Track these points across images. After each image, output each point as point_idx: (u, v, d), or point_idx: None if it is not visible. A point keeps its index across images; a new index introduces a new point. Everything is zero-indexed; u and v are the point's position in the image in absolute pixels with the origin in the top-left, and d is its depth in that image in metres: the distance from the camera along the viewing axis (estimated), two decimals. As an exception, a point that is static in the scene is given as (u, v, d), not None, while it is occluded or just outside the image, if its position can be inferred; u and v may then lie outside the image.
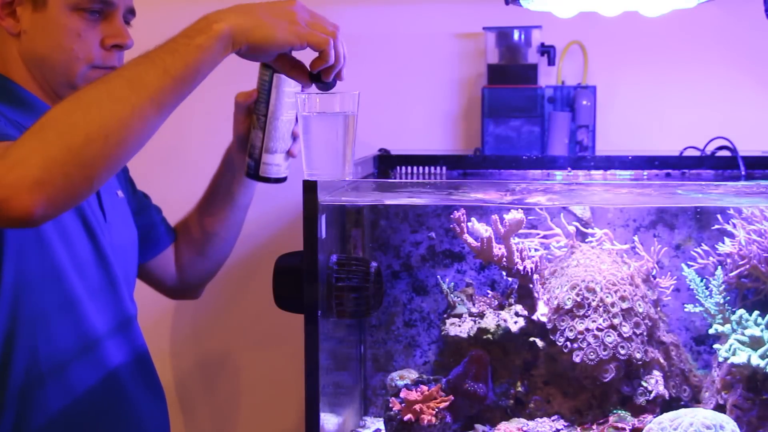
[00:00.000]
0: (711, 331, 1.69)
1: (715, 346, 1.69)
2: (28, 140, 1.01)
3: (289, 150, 1.39)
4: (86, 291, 1.31)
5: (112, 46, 1.32)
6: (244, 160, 1.42)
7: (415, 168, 1.88)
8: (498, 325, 1.76)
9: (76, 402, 1.30)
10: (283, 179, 1.44)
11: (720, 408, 1.65)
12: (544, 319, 1.73)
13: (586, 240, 1.80)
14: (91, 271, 1.33)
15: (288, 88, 1.34)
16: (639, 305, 1.68)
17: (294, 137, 1.39)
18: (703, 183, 1.73)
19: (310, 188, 1.47)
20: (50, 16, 1.28)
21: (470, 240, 1.74)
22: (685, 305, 1.76)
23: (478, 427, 1.73)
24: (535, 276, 1.77)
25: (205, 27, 1.10)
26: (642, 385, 1.69)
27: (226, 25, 1.10)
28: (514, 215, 1.71)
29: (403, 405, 1.67)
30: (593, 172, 1.86)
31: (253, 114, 1.38)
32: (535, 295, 1.76)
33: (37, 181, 0.98)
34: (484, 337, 1.76)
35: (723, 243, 1.73)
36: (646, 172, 1.85)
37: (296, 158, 1.44)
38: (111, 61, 1.33)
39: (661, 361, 1.72)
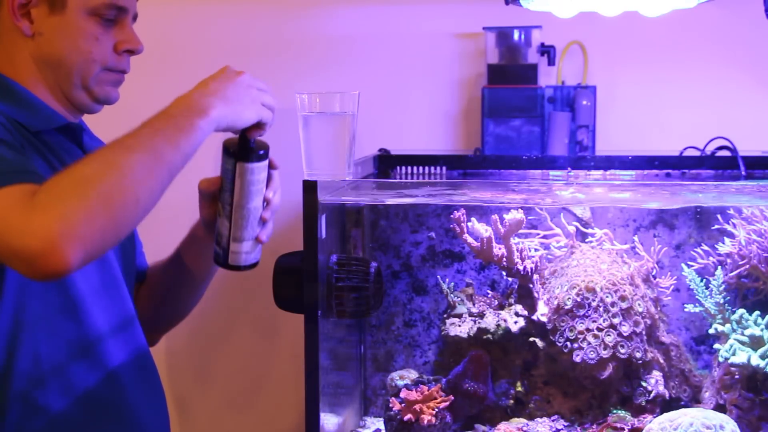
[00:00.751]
0: (711, 331, 1.69)
1: (715, 346, 1.69)
2: (65, 195, 1.05)
3: (257, 236, 1.38)
4: (89, 291, 1.32)
5: (124, 51, 1.37)
6: (212, 246, 1.40)
7: (415, 168, 1.88)
8: (498, 325, 1.76)
9: (77, 402, 1.30)
10: (254, 264, 1.40)
11: (720, 408, 1.65)
12: (544, 319, 1.73)
13: (586, 240, 1.80)
14: (94, 270, 1.34)
15: (252, 175, 1.34)
16: (639, 305, 1.68)
17: (263, 223, 1.38)
18: (703, 183, 1.73)
19: (310, 188, 1.47)
20: (69, 19, 1.31)
21: (470, 240, 1.74)
22: (685, 305, 1.76)
23: (478, 427, 1.73)
24: (535, 276, 1.77)
25: (202, 109, 1.21)
26: (642, 385, 1.69)
27: (215, 111, 1.21)
28: (514, 215, 1.71)
29: (403, 405, 1.67)
30: (593, 172, 1.86)
31: (218, 202, 1.36)
32: (535, 295, 1.76)
33: (81, 238, 1.04)
34: (484, 337, 1.76)
35: (723, 243, 1.73)
36: (646, 172, 1.85)
37: (266, 237, 1.41)
38: (122, 65, 1.37)
39: (661, 361, 1.72)
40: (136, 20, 1.41)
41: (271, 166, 1.37)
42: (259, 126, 1.29)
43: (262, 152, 1.33)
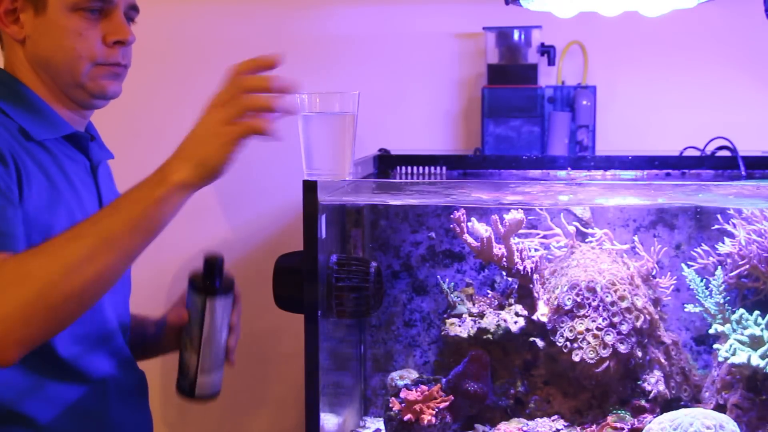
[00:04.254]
0: (711, 331, 1.69)
1: (715, 346, 1.69)
2: (4, 294, 1.08)
3: (227, 361, 1.41)
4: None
5: (114, 43, 1.33)
6: (175, 376, 1.41)
7: (415, 168, 1.88)
8: (498, 325, 1.76)
9: (61, 414, 1.29)
10: (218, 393, 1.42)
11: (720, 408, 1.65)
12: (544, 319, 1.73)
13: (586, 240, 1.80)
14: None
15: (221, 309, 1.36)
16: (639, 305, 1.68)
17: (229, 350, 1.40)
18: (703, 183, 1.73)
19: (310, 188, 1.47)
20: (50, 18, 1.29)
21: (470, 240, 1.74)
22: (685, 305, 1.76)
23: (478, 427, 1.73)
24: (535, 276, 1.77)
25: (161, 179, 1.16)
26: (642, 385, 1.69)
27: (177, 175, 1.16)
28: (514, 215, 1.71)
29: (403, 405, 1.67)
30: (593, 172, 1.86)
31: (185, 334, 1.38)
32: (535, 295, 1.76)
33: (19, 340, 1.08)
34: (484, 337, 1.76)
35: (723, 243, 1.73)
36: (646, 172, 1.85)
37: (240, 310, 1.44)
38: (114, 58, 1.34)
39: (661, 360, 1.72)
40: (138, 13, 1.39)
41: (235, 294, 1.39)
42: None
43: (229, 286, 1.36)
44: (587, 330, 1.66)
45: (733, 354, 1.61)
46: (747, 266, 1.69)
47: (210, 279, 1.34)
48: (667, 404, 1.70)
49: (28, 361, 1.25)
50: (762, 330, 1.61)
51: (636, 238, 1.79)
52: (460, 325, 1.78)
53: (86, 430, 1.33)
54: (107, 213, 1.16)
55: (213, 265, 1.34)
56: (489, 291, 1.88)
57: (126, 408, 1.40)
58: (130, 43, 1.35)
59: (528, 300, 1.77)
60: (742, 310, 1.64)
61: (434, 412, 1.65)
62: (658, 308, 1.75)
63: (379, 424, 1.80)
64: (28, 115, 1.29)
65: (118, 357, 1.39)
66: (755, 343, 1.61)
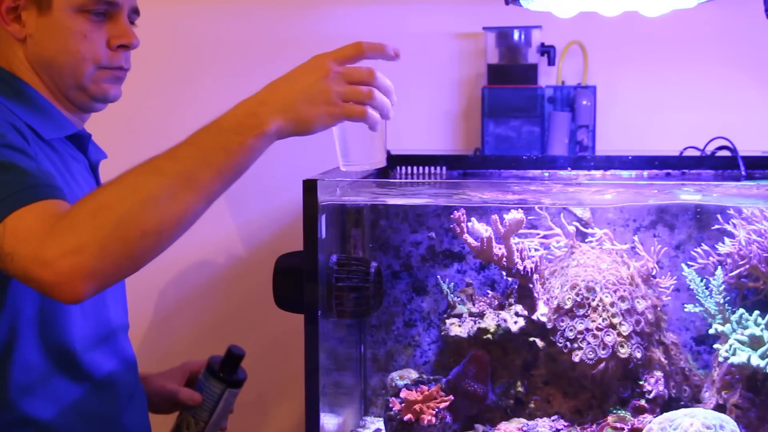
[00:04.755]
0: (711, 331, 1.69)
1: (715, 346, 1.69)
2: (82, 224, 1.03)
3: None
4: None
5: (119, 47, 1.33)
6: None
7: (415, 168, 1.88)
8: (498, 325, 1.76)
9: (65, 413, 1.28)
10: None
11: (720, 408, 1.65)
12: (544, 319, 1.73)
13: (586, 240, 1.80)
14: None
15: (234, 398, 1.47)
16: (639, 305, 1.68)
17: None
18: (703, 183, 1.73)
19: (310, 188, 1.47)
20: (55, 19, 1.28)
21: (470, 240, 1.74)
22: (685, 305, 1.76)
23: (478, 427, 1.73)
24: (535, 276, 1.77)
25: (256, 125, 1.10)
26: (642, 385, 1.69)
27: (275, 125, 1.11)
28: (514, 215, 1.71)
29: (403, 405, 1.67)
30: (593, 172, 1.86)
31: (189, 413, 1.45)
32: (535, 295, 1.76)
33: (92, 272, 1.02)
34: (484, 337, 1.76)
35: (723, 243, 1.73)
36: (646, 172, 1.85)
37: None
38: (118, 62, 1.33)
39: (662, 360, 1.72)
40: (139, 15, 1.39)
41: None
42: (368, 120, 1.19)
43: (244, 379, 1.47)
44: (587, 330, 1.66)
45: (733, 354, 1.61)
46: (747, 266, 1.69)
47: (233, 371, 1.45)
48: (667, 404, 1.70)
49: (40, 362, 1.25)
50: (762, 330, 1.61)
51: (636, 238, 1.79)
52: (460, 325, 1.78)
53: (93, 428, 1.33)
54: (189, 153, 1.08)
55: (238, 359, 1.45)
56: (489, 291, 1.88)
57: (134, 410, 1.40)
58: (134, 47, 1.35)
59: (528, 300, 1.77)
60: (742, 310, 1.64)
61: (434, 412, 1.65)
62: (658, 308, 1.75)
63: (379, 424, 1.80)
64: (35, 114, 1.28)
65: (121, 358, 1.39)
66: (755, 343, 1.61)
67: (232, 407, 1.48)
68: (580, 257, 1.75)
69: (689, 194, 1.68)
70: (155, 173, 1.07)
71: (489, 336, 1.76)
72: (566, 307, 1.69)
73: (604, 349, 1.65)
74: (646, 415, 1.66)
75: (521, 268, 1.74)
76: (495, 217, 1.71)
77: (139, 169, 1.08)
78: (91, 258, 1.01)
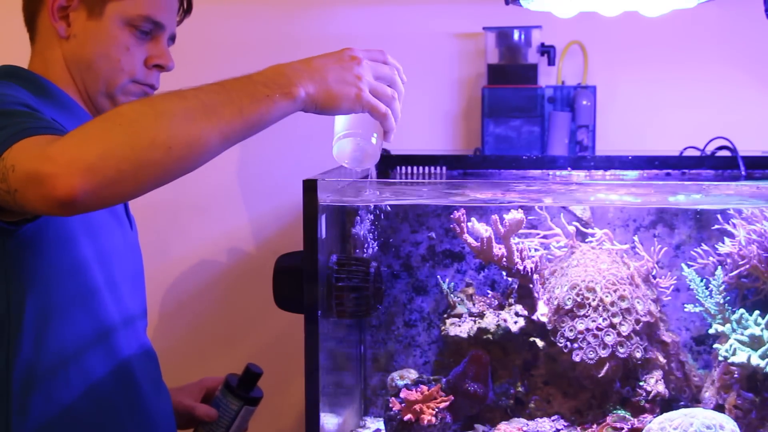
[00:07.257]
0: (711, 331, 1.69)
1: (715, 346, 1.69)
2: (91, 127, 1.02)
3: None
4: (106, 283, 1.31)
5: (154, 66, 1.38)
6: None
7: (415, 168, 1.88)
8: (498, 325, 1.76)
9: (96, 400, 1.30)
10: None
11: (720, 408, 1.65)
12: (544, 319, 1.73)
13: (586, 240, 1.80)
14: (118, 261, 1.34)
15: (250, 416, 1.49)
16: (639, 305, 1.68)
17: None
18: (703, 183, 1.73)
19: (310, 188, 1.47)
20: (104, 25, 1.33)
21: (470, 240, 1.74)
22: (685, 305, 1.76)
23: (478, 427, 1.73)
24: (535, 276, 1.77)
25: (285, 84, 1.11)
26: (642, 385, 1.69)
27: (304, 91, 1.12)
28: (514, 215, 1.71)
29: (403, 405, 1.67)
30: (593, 172, 1.86)
31: (206, 430, 1.48)
32: (535, 295, 1.76)
33: (90, 166, 0.97)
34: (484, 337, 1.76)
35: (723, 243, 1.73)
36: (646, 172, 1.85)
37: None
38: (151, 80, 1.38)
39: (661, 360, 1.72)
40: (174, 43, 1.42)
41: None
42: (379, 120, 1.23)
43: (260, 397, 1.48)
44: (587, 330, 1.66)
45: (733, 354, 1.61)
46: (747, 266, 1.69)
47: (250, 389, 1.47)
48: (667, 404, 1.70)
49: (66, 344, 1.26)
50: (762, 330, 1.61)
51: (636, 238, 1.79)
52: (460, 325, 1.78)
53: (120, 418, 1.33)
54: (214, 89, 1.07)
55: (256, 377, 1.47)
56: (489, 291, 1.88)
57: (156, 396, 1.41)
58: (169, 69, 1.40)
59: (528, 300, 1.77)
60: (742, 310, 1.64)
61: (434, 412, 1.65)
62: (658, 308, 1.75)
63: (379, 424, 1.80)
64: (61, 111, 1.31)
65: (140, 344, 1.40)
66: (755, 343, 1.61)
67: (246, 425, 1.50)
68: (581, 257, 1.75)
69: (689, 194, 1.68)
70: (177, 96, 1.05)
71: (489, 336, 1.76)
72: (566, 307, 1.69)
73: (604, 349, 1.65)
74: (646, 415, 1.66)
75: (521, 268, 1.74)
76: (495, 217, 1.71)
77: (161, 94, 1.07)
78: (94, 154, 0.97)
